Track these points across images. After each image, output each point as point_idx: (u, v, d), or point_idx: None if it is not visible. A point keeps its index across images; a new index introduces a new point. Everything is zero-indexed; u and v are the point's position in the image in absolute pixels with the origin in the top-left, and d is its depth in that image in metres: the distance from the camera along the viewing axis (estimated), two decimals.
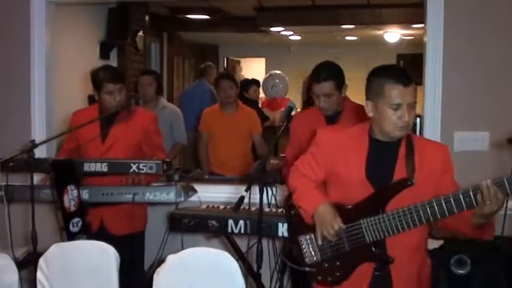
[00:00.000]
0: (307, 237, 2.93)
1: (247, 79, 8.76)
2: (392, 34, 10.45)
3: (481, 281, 3.80)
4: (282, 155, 4.66)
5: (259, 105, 8.29)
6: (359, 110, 3.95)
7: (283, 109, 5.06)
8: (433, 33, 4.38)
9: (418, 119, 4.60)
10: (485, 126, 4.26)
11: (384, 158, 2.79)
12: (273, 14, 9.12)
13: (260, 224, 3.16)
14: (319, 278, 2.92)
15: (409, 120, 2.67)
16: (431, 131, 4.30)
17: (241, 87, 7.90)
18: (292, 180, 3.03)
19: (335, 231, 2.76)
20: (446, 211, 2.55)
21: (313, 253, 2.92)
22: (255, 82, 8.37)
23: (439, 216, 2.58)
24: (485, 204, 2.45)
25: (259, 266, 3.18)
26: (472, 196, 2.50)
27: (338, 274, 2.86)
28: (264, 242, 3.85)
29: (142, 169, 3.85)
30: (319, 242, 2.87)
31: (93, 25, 7.08)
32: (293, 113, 3.80)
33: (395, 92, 2.65)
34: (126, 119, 4.16)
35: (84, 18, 6.83)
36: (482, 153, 4.23)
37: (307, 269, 2.95)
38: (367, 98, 2.79)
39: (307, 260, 2.95)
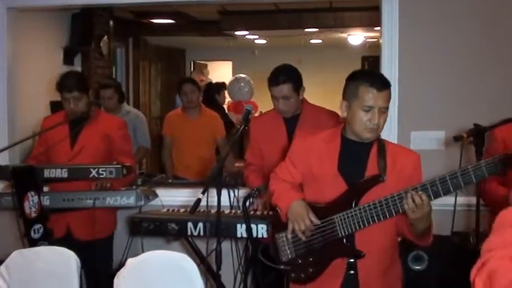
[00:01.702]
0: (283, 235, 2.99)
1: (219, 82, 8.80)
2: (356, 37, 10.55)
3: (438, 276, 3.89)
4: None
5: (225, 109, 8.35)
6: (317, 112, 4.04)
7: None
8: (388, 36, 4.47)
9: None
10: (441, 125, 4.35)
11: (356, 156, 2.87)
12: (236, 18, 9.16)
13: (219, 226, 3.21)
14: (293, 275, 2.99)
15: (379, 123, 2.76)
16: (389, 131, 4.35)
17: (209, 89, 7.96)
18: (271, 184, 3.11)
19: (306, 226, 2.83)
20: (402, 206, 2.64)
21: (288, 251, 2.98)
22: (223, 85, 8.41)
23: (400, 210, 2.66)
24: (414, 211, 2.57)
25: (218, 267, 3.22)
26: (429, 187, 2.60)
27: (311, 270, 2.92)
28: (227, 243, 3.95)
29: (102, 174, 3.87)
30: (289, 236, 2.94)
31: (56, 31, 7.04)
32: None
33: (369, 95, 2.73)
34: (92, 124, 4.18)
35: (47, 24, 6.79)
36: (439, 151, 4.33)
37: (282, 266, 3.02)
38: (343, 98, 2.88)
39: (282, 257, 3.01)
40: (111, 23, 8.29)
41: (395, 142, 4.14)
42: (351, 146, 2.88)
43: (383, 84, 2.76)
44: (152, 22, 9.73)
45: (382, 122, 2.77)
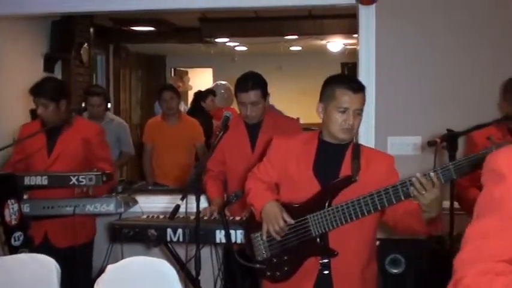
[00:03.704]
0: (258, 235, 3.05)
1: (207, 89, 8.82)
2: (335, 44, 10.62)
3: (415, 279, 3.96)
4: None
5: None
6: (277, 119, 4.13)
7: None
8: (365, 43, 4.55)
9: None
10: (417, 130, 4.42)
11: (331, 158, 2.96)
12: (217, 25, 9.19)
13: (198, 232, 3.24)
14: (268, 273, 3.05)
15: (354, 125, 2.86)
16: (366, 136, 4.44)
17: (197, 97, 7.98)
18: (247, 183, 3.16)
19: (280, 226, 2.89)
20: (385, 201, 2.68)
21: (263, 250, 3.05)
22: (211, 92, 8.40)
23: (379, 207, 2.71)
24: (423, 194, 2.57)
25: (197, 273, 3.26)
26: (408, 185, 2.63)
27: (286, 269, 2.98)
28: (207, 249, 3.98)
29: (82, 181, 3.89)
30: (264, 237, 2.99)
31: (36, 38, 7.03)
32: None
33: (344, 97, 2.84)
34: (70, 131, 4.19)
35: (26, 31, 6.77)
36: (415, 156, 4.40)
37: (257, 265, 3.07)
38: (320, 101, 2.98)
39: (258, 257, 3.07)
40: (91, 30, 8.28)
41: (373, 147, 4.22)
42: (327, 148, 2.97)
43: (358, 87, 2.88)
44: (132, 29, 9.73)
45: (356, 124, 2.88)
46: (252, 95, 3.92)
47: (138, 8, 5.13)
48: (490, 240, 1.51)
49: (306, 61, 11.38)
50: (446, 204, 3.43)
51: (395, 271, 3.97)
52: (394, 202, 2.68)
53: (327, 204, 2.84)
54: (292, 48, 11.62)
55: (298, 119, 5.69)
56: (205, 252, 4.02)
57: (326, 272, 2.91)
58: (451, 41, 4.48)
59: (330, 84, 2.94)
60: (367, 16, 4.54)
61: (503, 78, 3.97)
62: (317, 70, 11.42)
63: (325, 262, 2.91)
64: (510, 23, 4.43)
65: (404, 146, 4.43)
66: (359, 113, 2.88)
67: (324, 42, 10.58)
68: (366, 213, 2.73)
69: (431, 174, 2.57)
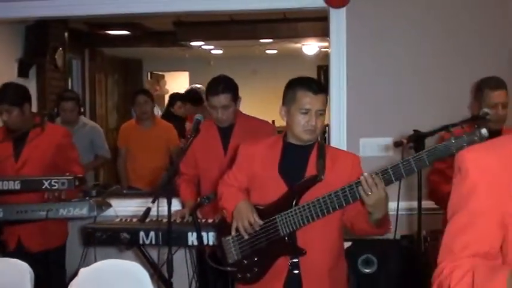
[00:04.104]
0: (229, 238, 3.08)
1: (176, 93, 8.82)
2: (310, 47, 10.66)
3: (387, 279, 4.00)
4: None
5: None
6: (250, 122, 4.16)
7: None
8: (336, 45, 4.59)
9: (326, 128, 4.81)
10: (388, 132, 4.47)
11: (297, 159, 3.01)
12: (192, 29, 9.20)
13: (170, 234, 3.27)
14: (239, 276, 3.09)
15: (317, 125, 2.91)
16: (338, 138, 4.49)
17: (169, 101, 7.97)
18: (219, 189, 3.20)
19: (250, 223, 2.94)
20: (343, 200, 2.73)
21: (234, 252, 3.08)
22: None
23: (344, 204, 2.75)
24: (368, 195, 2.63)
25: (170, 275, 3.28)
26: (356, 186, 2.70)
27: (256, 270, 3.02)
28: (182, 251, 4.00)
29: (55, 185, 3.88)
30: (233, 232, 3.03)
31: (10, 43, 6.98)
32: None
33: (306, 99, 2.89)
34: (38, 136, 4.18)
35: (0, 36, 6.76)
36: (386, 157, 4.43)
37: (228, 268, 3.11)
38: (283, 104, 3.03)
39: (229, 259, 3.10)
40: (66, 34, 8.25)
41: (345, 149, 4.27)
42: (292, 149, 3.02)
43: (319, 89, 2.92)
44: (108, 33, 9.72)
45: (319, 124, 2.93)
46: (223, 99, 3.95)
47: (113, 12, 5.14)
48: (459, 237, 1.58)
49: (282, 64, 11.40)
50: (414, 204, 3.51)
51: (367, 271, 4.01)
52: (351, 201, 2.73)
53: (294, 203, 2.88)
54: (267, 51, 11.66)
55: (273, 121, 5.72)
56: (180, 254, 4.06)
57: (296, 271, 2.95)
58: (421, 43, 4.55)
59: (291, 87, 2.98)
60: (337, 19, 4.58)
61: (472, 80, 4.04)
62: (293, 73, 11.34)
63: (294, 262, 2.95)
64: (479, 25, 4.50)
65: (375, 147, 4.48)
66: (321, 113, 2.93)
67: (299, 45, 10.63)
68: (331, 211, 2.78)
69: (379, 174, 2.64)
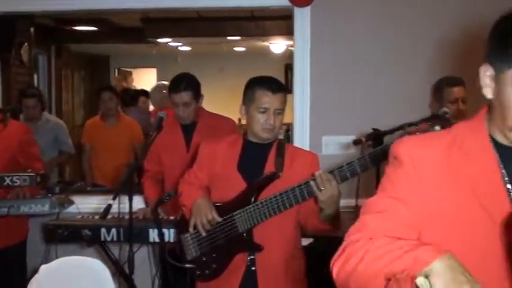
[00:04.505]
0: (188, 235, 3.10)
1: (136, 90, 8.79)
2: (278, 45, 10.69)
3: None
4: None
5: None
6: (213, 119, 4.18)
7: None
8: (300, 44, 4.63)
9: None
10: (351, 130, 4.51)
11: (256, 156, 3.04)
12: (159, 26, 9.18)
13: (131, 231, 3.28)
14: (198, 272, 3.11)
15: (275, 124, 2.95)
16: (301, 136, 4.53)
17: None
18: (180, 187, 3.22)
19: (208, 221, 2.96)
20: (299, 196, 2.78)
21: (193, 249, 3.10)
22: (144, 93, 8.39)
23: (300, 200, 2.80)
24: (321, 191, 2.67)
25: (131, 272, 3.29)
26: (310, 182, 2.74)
27: (215, 266, 3.04)
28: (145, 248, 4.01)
29: (16, 182, 3.86)
30: (191, 229, 3.05)
31: None
32: None
33: (264, 98, 2.93)
34: (0, 133, 4.14)
35: None
36: (348, 155, 4.47)
37: (187, 265, 3.13)
38: (242, 103, 3.06)
39: (188, 256, 3.13)
40: (32, 30, 8.17)
41: (308, 147, 4.31)
42: (251, 147, 3.06)
43: (277, 88, 2.97)
44: (75, 29, 9.64)
45: (278, 123, 2.97)
46: (184, 96, 3.97)
47: (80, 7, 5.10)
48: (377, 216, 1.59)
49: (250, 62, 11.42)
50: (352, 202, 3.57)
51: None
52: (306, 196, 2.78)
53: (252, 200, 2.91)
54: (235, 48, 11.66)
55: (239, 120, 5.75)
56: (144, 251, 4.07)
57: (253, 268, 2.98)
58: (384, 42, 4.60)
59: (251, 86, 3.02)
60: (302, 18, 4.62)
61: (432, 80, 4.12)
62: (261, 71, 11.35)
63: (252, 258, 2.98)
64: (438, 25, 4.56)
65: (338, 145, 4.52)
66: (279, 112, 2.97)
67: (267, 43, 10.65)
68: (287, 207, 2.82)
69: (334, 171, 2.70)
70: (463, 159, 1.58)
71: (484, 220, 1.54)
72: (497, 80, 1.53)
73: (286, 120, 4.75)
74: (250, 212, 2.90)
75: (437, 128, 2.52)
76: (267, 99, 2.93)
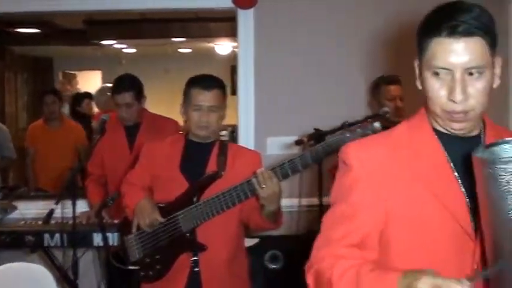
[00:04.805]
0: (132, 236, 3.09)
1: (79, 93, 8.69)
2: (223, 46, 10.70)
3: (294, 274, 4.08)
4: None
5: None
6: (157, 120, 4.19)
7: None
8: (244, 45, 4.67)
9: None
10: (295, 131, 4.55)
11: (198, 156, 3.06)
12: (103, 27, 9.07)
13: (75, 236, 3.26)
14: (142, 274, 3.11)
15: (209, 121, 2.98)
16: (245, 137, 4.56)
17: (73, 101, 7.85)
18: (122, 188, 3.23)
19: (150, 221, 2.96)
20: (242, 195, 2.81)
21: (136, 251, 3.10)
22: (88, 95, 8.32)
23: (236, 202, 2.84)
24: (262, 188, 2.71)
25: (75, 277, 3.27)
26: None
27: (158, 267, 3.05)
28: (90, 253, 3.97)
29: None
30: (134, 231, 3.06)
31: None
32: None
33: (198, 96, 2.97)
34: None
35: None
36: (293, 155, 4.52)
37: (130, 266, 3.12)
38: (182, 103, 3.10)
39: (131, 258, 3.13)
40: None
41: (252, 148, 4.34)
42: (193, 147, 3.08)
43: (210, 85, 2.99)
44: (17, 31, 9.46)
45: (213, 120, 3.00)
46: (126, 97, 3.98)
47: (22, 9, 5.03)
48: (338, 226, 1.66)
49: (195, 63, 11.38)
50: (315, 201, 3.62)
51: (274, 267, 4.09)
52: (248, 194, 2.80)
53: (195, 200, 2.93)
54: (181, 50, 11.61)
55: (185, 121, 5.74)
56: (89, 256, 4.03)
57: (197, 269, 2.99)
58: (325, 45, 4.67)
59: (187, 86, 3.06)
60: (245, 19, 4.66)
61: (371, 79, 4.20)
62: (206, 72, 11.44)
63: (195, 259, 2.99)
64: (374, 25, 4.65)
65: (282, 145, 4.55)
66: (214, 110, 2.99)
67: (212, 44, 10.65)
68: (230, 206, 2.85)
69: (276, 168, 2.73)
70: (411, 154, 1.67)
71: (438, 209, 1.61)
72: (420, 70, 1.65)
73: (231, 121, 4.80)
74: (193, 212, 2.91)
75: (376, 124, 2.58)
76: (201, 97, 2.96)
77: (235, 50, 10.69)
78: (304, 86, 4.67)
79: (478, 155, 1.47)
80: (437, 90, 1.59)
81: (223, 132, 9.20)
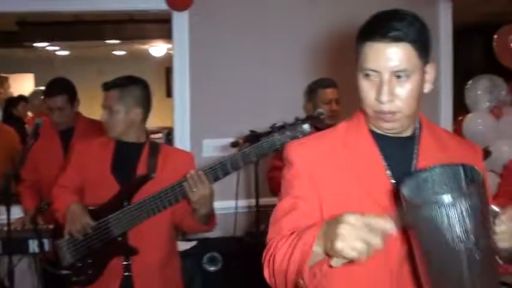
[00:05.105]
0: (63, 240, 3.04)
1: (14, 96, 8.52)
2: (158, 48, 10.65)
3: (232, 276, 4.12)
4: None
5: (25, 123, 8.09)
6: (92, 125, 4.16)
7: None
8: (179, 47, 4.67)
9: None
10: (231, 133, 4.58)
11: (128, 158, 3.02)
12: (36, 29, 8.90)
13: (10, 243, 3.20)
14: (74, 278, 3.05)
15: (109, 122, 2.97)
16: (182, 139, 4.56)
17: (8, 104, 7.69)
18: (53, 191, 3.15)
19: (82, 226, 2.91)
20: (172, 198, 2.78)
21: (68, 255, 3.04)
22: (23, 98, 8.16)
23: (167, 205, 2.80)
24: (193, 191, 2.68)
25: (11, 284, 3.21)
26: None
27: (90, 272, 2.99)
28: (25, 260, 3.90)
29: None
30: (66, 236, 2.99)
31: None
32: None
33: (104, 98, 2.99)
34: None
35: None
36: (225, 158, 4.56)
37: (63, 271, 3.07)
38: None
39: (63, 262, 3.07)
40: None
41: (189, 149, 4.34)
42: (124, 148, 3.04)
43: (107, 85, 2.99)
44: None
45: (111, 121, 2.97)
46: (58, 100, 3.94)
47: None
48: (285, 217, 1.75)
49: (130, 66, 11.26)
50: (252, 202, 3.66)
51: (213, 268, 4.10)
52: (180, 198, 2.78)
53: (125, 203, 2.90)
54: (115, 52, 11.51)
55: None
56: (24, 263, 3.96)
57: (129, 273, 2.95)
58: (260, 48, 4.72)
59: None
60: (180, 21, 4.65)
61: (307, 82, 4.26)
62: (141, 75, 11.31)
63: (127, 264, 2.95)
64: (311, 30, 4.73)
65: (218, 147, 4.57)
66: (111, 110, 2.96)
67: (146, 46, 10.60)
68: (161, 209, 2.82)
69: (206, 170, 2.72)
70: (348, 153, 1.79)
71: (372, 206, 1.70)
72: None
73: (167, 124, 4.81)
74: (124, 215, 2.88)
75: (305, 126, 2.62)
76: (104, 98, 2.98)
77: (170, 51, 10.71)
78: (240, 88, 4.70)
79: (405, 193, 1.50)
80: (367, 91, 1.70)
81: (159, 135, 9.18)
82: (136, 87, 3.00)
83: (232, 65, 4.70)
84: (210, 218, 2.91)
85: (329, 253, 1.48)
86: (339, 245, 1.41)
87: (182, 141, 4.56)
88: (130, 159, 3.01)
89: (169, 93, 10.70)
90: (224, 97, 4.68)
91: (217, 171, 2.72)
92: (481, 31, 8.35)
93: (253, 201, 3.60)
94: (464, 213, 1.39)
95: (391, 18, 1.66)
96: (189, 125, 4.62)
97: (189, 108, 4.62)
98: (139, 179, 2.94)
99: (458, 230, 1.40)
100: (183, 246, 3.97)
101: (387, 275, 1.72)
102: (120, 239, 2.93)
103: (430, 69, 1.75)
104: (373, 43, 1.66)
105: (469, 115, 5.26)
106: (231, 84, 4.70)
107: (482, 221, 1.44)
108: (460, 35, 5.46)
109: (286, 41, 4.73)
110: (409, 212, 1.48)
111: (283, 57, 4.73)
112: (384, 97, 1.66)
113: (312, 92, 4.12)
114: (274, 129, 2.76)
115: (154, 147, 3.05)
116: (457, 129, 5.21)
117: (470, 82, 5.33)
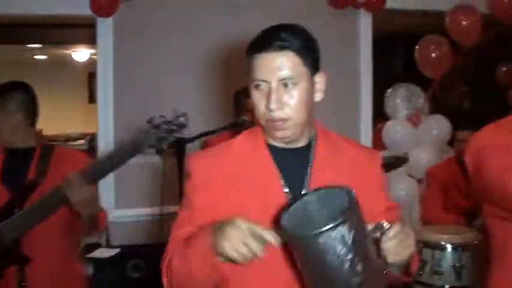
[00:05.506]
0: None
1: None
2: (81, 53, 10.49)
3: (157, 283, 4.10)
4: None
5: None
6: None
7: None
8: (103, 53, 4.64)
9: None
10: None
11: (19, 164, 2.92)
12: None
13: None
14: None
15: None
16: (105, 145, 4.52)
17: None
18: None
19: None
20: (56, 202, 2.69)
21: None
22: None
23: (53, 209, 2.72)
24: (74, 194, 2.58)
25: None
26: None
27: None
28: None
29: None
30: None
31: None
32: None
33: None
34: None
35: None
36: (150, 163, 4.51)
37: None
38: None
39: None
40: None
41: None
42: (14, 156, 2.95)
43: None
44: None
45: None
46: None
47: None
48: (182, 227, 1.84)
49: (52, 71, 11.08)
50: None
51: (137, 275, 4.08)
52: (62, 202, 2.69)
53: (16, 210, 2.80)
54: (36, 57, 11.27)
55: (41, 130, 5.57)
56: None
57: (24, 283, 2.84)
58: (187, 53, 4.74)
59: None
60: (104, 27, 4.63)
61: (234, 90, 4.30)
62: (64, 80, 11.18)
63: (22, 273, 2.84)
64: (240, 37, 4.76)
65: (143, 154, 4.55)
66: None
67: (69, 51, 10.43)
68: (48, 214, 2.73)
69: (84, 173, 2.63)
70: (244, 164, 1.85)
71: (266, 217, 1.75)
72: None
73: (91, 130, 4.74)
74: (13, 222, 2.77)
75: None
76: None
77: (94, 56, 10.61)
78: (165, 95, 4.68)
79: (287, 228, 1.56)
80: (258, 101, 1.79)
81: (81, 141, 9.02)
82: (17, 92, 2.93)
83: (157, 70, 4.70)
84: (96, 220, 2.85)
85: (215, 249, 1.61)
86: (223, 243, 1.57)
87: (106, 147, 4.51)
88: (21, 166, 2.92)
89: (91, 99, 10.53)
90: (149, 103, 4.66)
91: (92, 173, 2.63)
92: (401, 41, 8.64)
93: (178, 207, 3.59)
94: (339, 240, 1.44)
95: (278, 30, 1.77)
96: (113, 130, 4.58)
97: (113, 114, 4.58)
98: (28, 185, 2.85)
99: (331, 258, 1.46)
100: (105, 253, 3.94)
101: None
102: (12, 247, 2.81)
103: (319, 79, 1.83)
104: (260, 54, 1.75)
105: (388, 123, 5.43)
106: (156, 90, 4.69)
107: (358, 246, 1.48)
108: (381, 44, 5.60)
109: (213, 47, 4.75)
110: (287, 239, 1.58)
111: (209, 63, 4.76)
112: (273, 105, 1.73)
113: (237, 100, 4.15)
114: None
115: (47, 150, 2.96)
116: (377, 136, 5.37)
117: (389, 90, 5.50)
